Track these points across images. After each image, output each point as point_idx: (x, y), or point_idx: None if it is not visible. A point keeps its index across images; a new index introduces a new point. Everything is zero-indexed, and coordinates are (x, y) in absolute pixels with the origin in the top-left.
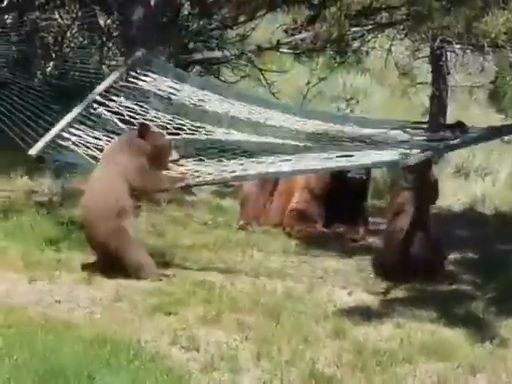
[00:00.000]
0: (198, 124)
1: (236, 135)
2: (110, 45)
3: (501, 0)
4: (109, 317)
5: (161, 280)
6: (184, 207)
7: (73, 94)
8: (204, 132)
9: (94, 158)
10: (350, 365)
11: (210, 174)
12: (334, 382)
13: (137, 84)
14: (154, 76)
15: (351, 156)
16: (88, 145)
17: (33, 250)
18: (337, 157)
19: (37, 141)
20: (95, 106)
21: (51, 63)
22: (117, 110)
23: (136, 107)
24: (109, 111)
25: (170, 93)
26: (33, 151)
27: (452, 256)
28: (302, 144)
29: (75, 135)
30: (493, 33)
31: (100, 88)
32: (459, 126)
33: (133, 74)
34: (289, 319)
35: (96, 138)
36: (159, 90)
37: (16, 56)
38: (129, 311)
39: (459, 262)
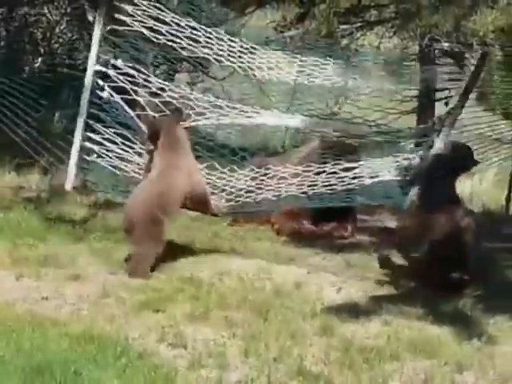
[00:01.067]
0: None
1: None
2: None
3: None
4: (96, 313)
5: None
6: None
7: (60, 90)
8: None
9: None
10: (338, 362)
11: None
12: (321, 379)
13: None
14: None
15: None
16: (110, 154)
17: (20, 247)
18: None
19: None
20: (100, 82)
21: (40, 59)
22: (120, 82)
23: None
24: (114, 89)
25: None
26: (68, 186)
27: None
28: None
29: (96, 142)
30: (481, 31)
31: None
32: None
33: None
34: (277, 316)
35: (115, 143)
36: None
37: (5, 51)
38: (116, 308)
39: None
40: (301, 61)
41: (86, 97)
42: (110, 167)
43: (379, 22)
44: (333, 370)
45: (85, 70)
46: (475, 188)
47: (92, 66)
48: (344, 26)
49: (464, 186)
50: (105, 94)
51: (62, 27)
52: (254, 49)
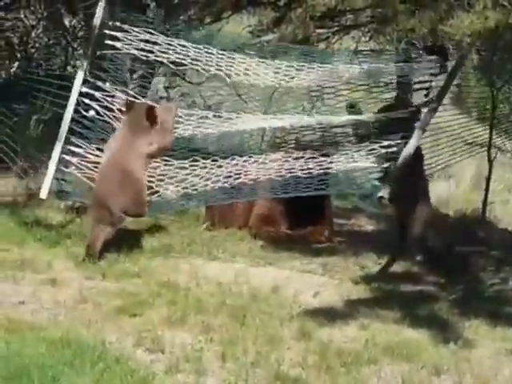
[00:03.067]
0: None
1: None
2: (75, 45)
3: (466, 2)
4: (73, 318)
5: None
6: (149, 208)
7: (37, 95)
8: None
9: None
10: (315, 366)
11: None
12: None
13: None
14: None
15: None
16: (89, 165)
17: None
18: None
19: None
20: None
21: (16, 63)
22: (105, 103)
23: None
24: (100, 106)
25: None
26: (43, 195)
27: (416, 257)
28: None
29: (76, 155)
30: (457, 35)
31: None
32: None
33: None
34: (254, 321)
35: (97, 156)
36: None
37: None
38: (93, 312)
39: (423, 262)
40: (277, 65)
41: (68, 115)
42: (86, 180)
43: (356, 26)
44: (310, 374)
45: (62, 75)
46: (451, 191)
47: (78, 87)
48: (320, 30)
49: (440, 189)
50: (90, 113)
51: (38, 32)
52: (231, 54)
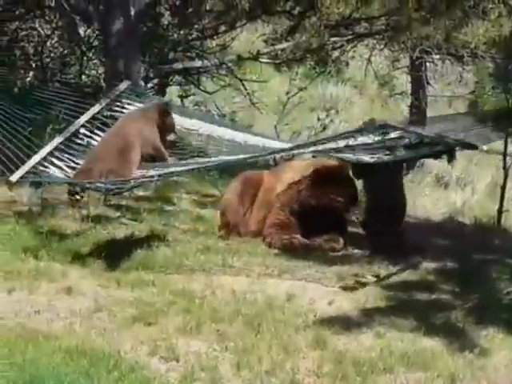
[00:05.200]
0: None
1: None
2: (90, 55)
3: (480, 11)
4: (88, 327)
5: None
6: (164, 216)
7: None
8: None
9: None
10: (331, 375)
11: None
12: None
13: (122, 113)
14: (139, 106)
15: None
16: (69, 174)
17: (12, 260)
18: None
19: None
20: (80, 136)
21: (31, 73)
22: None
23: None
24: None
25: None
26: (13, 178)
27: (431, 265)
28: None
29: (57, 166)
30: (472, 43)
31: (82, 119)
32: None
33: (117, 103)
34: (269, 329)
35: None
36: None
37: None
38: (108, 321)
39: (439, 271)
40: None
41: (71, 129)
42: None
43: (370, 35)
44: (326, 383)
45: (77, 84)
46: (467, 200)
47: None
48: (334, 39)
49: (456, 197)
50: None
51: (53, 41)
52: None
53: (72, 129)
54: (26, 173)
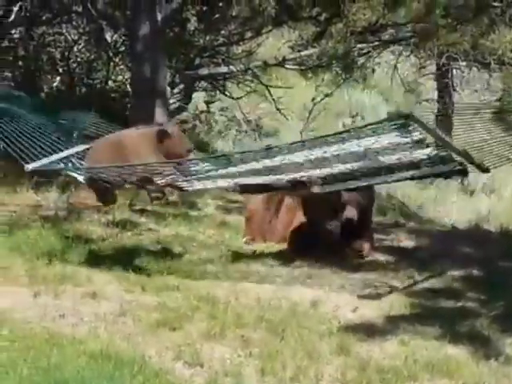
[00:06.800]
0: None
1: None
2: (117, 60)
3: (507, 18)
4: (113, 331)
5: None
6: (189, 222)
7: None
8: None
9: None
10: (355, 382)
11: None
12: None
13: None
14: None
15: None
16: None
17: (38, 265)
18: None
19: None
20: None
21: (58, 78)
22: None
23: None
24: None
25: None
26: (30, 166)
27: (457, 273)
28: None
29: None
30: (499, 50)
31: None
32: None
33: None
34: (293, 335)
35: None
36: None
37: (23, 70)
38: (133, 326)
39: (464, 279)
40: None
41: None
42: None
43: (396, 41)
44: None
45: (102, 89)
46: (493, 207)
47: None
48: (361, 45)
49: (481, 205)
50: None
51: (80, 46)
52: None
53: None
54: (43, 165)
